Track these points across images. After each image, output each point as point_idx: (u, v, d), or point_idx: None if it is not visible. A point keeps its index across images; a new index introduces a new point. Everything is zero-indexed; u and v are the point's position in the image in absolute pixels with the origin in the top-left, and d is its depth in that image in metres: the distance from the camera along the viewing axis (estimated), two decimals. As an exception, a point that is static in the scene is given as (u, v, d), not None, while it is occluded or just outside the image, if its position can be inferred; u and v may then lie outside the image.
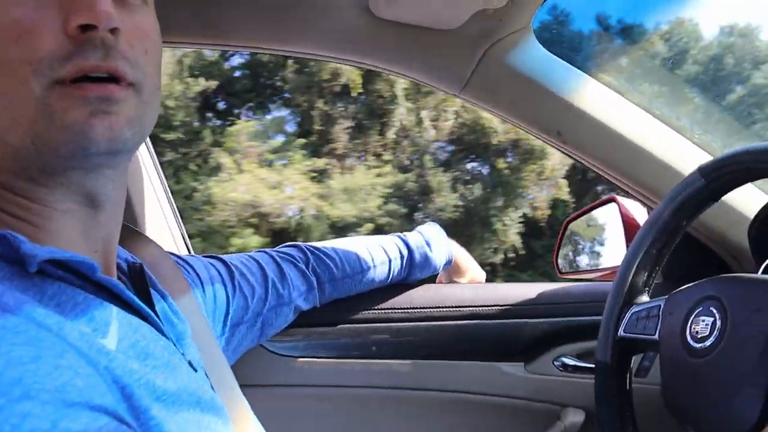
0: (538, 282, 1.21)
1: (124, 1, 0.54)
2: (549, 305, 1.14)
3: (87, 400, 0.40)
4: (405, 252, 1.13)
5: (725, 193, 0.84)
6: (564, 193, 10.28)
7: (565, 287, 1.18)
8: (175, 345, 0.61)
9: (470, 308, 1.13)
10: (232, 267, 0.92)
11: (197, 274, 0.85)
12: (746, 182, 0.83)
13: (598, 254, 1.41)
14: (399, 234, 1.16)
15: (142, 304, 0.57)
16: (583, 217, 1.43)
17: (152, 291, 0.66)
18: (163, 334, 0.60)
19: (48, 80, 0.48)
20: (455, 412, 1.13)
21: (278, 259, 0.99)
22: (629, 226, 1.30)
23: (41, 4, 0.49)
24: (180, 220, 1.17)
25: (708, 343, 0.74)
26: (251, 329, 0.93)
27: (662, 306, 0.86)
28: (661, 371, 0.82)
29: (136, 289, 0.65)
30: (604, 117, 1.04)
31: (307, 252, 1.04)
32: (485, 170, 10.38)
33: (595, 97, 1.05)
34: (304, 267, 1.01)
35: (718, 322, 0.74)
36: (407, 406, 1.12)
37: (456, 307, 1.13)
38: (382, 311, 1.13)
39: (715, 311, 0.75)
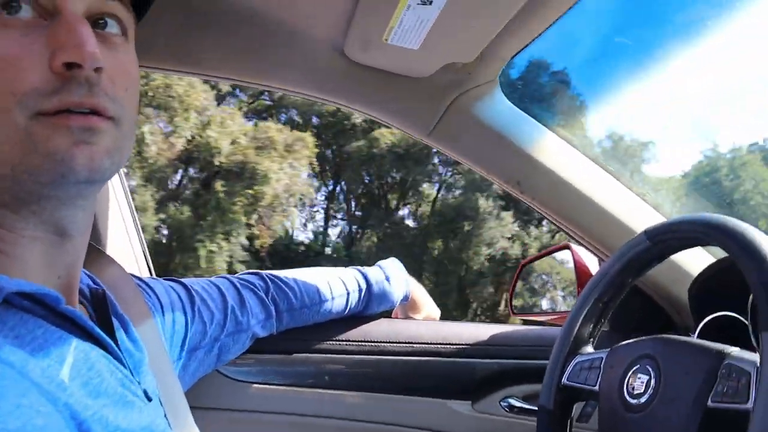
0: (492, 324, 1.24)
1: (107, 38, 0.57)
2: (500, 347, 1.18)
3: None
4: (363, 285, 1.15)
5: (669, 255, 0.89)
6: (295, 222, 9.93)
7: (517, 330, 1.22)
8: (132, 374, 0.63)
9: (422, 345, 1.16)
10: (192, 292, 0.93)
11: (158, 299, 0.86)
12: (689, 248, 0.88)
13: (551, 298, 1.46)
14: (359, 267, 1.19)
15: (103, 335, 0.59)
16: (537, 261, 1.48)
17: (113, 318, 0.68)
18: (122, 363, 0.61)
19: (31, 112, 0.50)
20: None
21: (239, 285, 1.01)
22: (582, 273, 1.35)
23: (28, 39, 0.51)
24: (143, 241, 1.18)
25: (643, 399, 0.78)
26: (208, 354, 0.94)
27: (604, 358, 0.90)
28: (599, 422, 0.86)
29: (98, 315, 0.66)
30: (561, 170, 1.09)
31: (268, 280, 1.06)
32: (202, 192, 9.82)
33: (553, 150, 1.09)
34: (263, 295, 1.03)
35: (653, 381, 0.78)
36: None
37: (409, 342, 1.16)
38: (337, 342, 1.15)
39: (650, 370, 0.79)
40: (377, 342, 1.16)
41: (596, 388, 0.89)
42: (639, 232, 0.89)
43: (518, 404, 1.16)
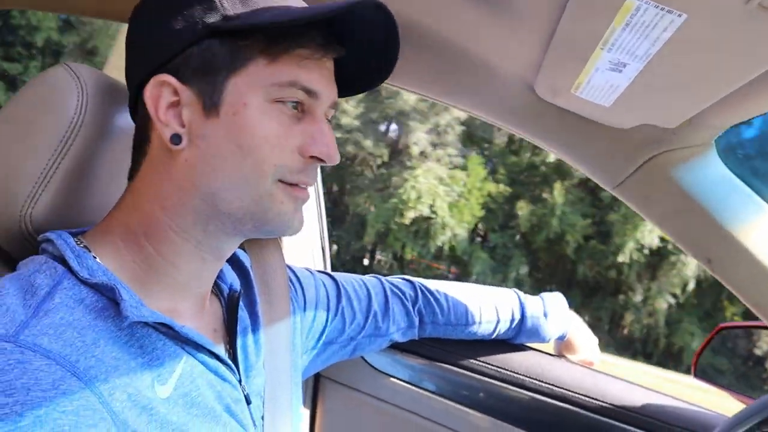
0: (650, 390, 1.14)
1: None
2: (648, 419, 1.08)
3: None
4: (517, 316, 1.13)
5: None
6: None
7: (673, 405, 1.11)
8: (240, 379, 0.72)
9: (562, 390, 1.12)
10: (341, 290, 1.01)
11: (304, 296, 0.95)
12: None
13: (739, 373, 1.28)
14: (521, 295, 1.16)
15: (217, 351, 0.68)
16: (739, 330, 1.30)
17: (246, 316, 0.78)
18: (232, 369, 0.71)
19: (276, 179, 0.65)
20: None
21: (388, 292, 1.06)
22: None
23: (292, 127, 0.66)
24: (325, 231, 1.27)
25: None
26: (343, 349, 1.02)
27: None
28: None
29: (228, 316, 0.77)
30: None
31: (419, 291, 1.09)
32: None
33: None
34: (410, 305, 1.07)
35: None
36: None
37: (549, 384, 1.12)
38: (479, 362, 1.16)
39: None
40: (518, 374, 1.14)
41: None
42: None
43: (651, 485, 1.07)
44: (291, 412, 0.82)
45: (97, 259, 0.64)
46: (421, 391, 1.17)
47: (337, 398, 1.22)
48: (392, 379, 1.18)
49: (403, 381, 1.18)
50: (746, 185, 0.94)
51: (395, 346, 1.16)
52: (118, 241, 0.66)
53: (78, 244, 0.65)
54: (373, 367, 1.19)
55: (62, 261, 0.63)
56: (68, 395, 0.52)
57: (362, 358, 1.19)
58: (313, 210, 1.22)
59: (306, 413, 1.23)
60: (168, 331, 0.64)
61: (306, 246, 1.21)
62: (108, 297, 0.61)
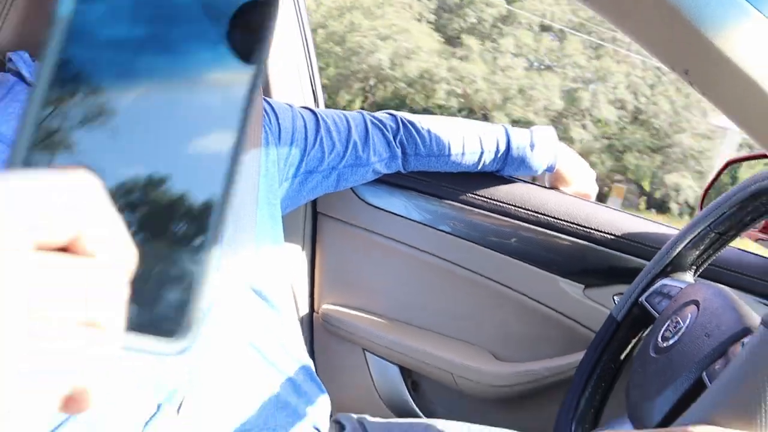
0: (635, 216, 1.14)
1: None
2: (629, 242, 1.10)
3: None
4: (503, 147, 1.14)
5: None
6: None
7: (655, 231, 1.11)
8: None
9: (548, 218, 1.14)
10: (320, 121, 1.05)
11: (279, 124, 0.99)
12: None
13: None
14: (508, 127, 1.16)
15: None
16: (747, 162, 1.26)
17: None
18: None
19: None
20: (506, 306, 1.19)
21: (369, 123, 1.09)
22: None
23: None
24: (314, 62, 1.29)
25: (667, 344, 0.71)
26: (326, 179, 1.07)
27: (680, 291, 0.81)
28: (636, 356, 0.81)
29: None
30: (756, 72, 0.88)
31: (400, 123, 1.11)
32: None
33: (755, 42, 0.89)
34: (391, 137, 1.10)
35: (684, 329, 0.70)
36: (465, 285, 1.21)
37: (535, 212, 1.14)
38: (469, 194, 1.19)
39: (689, 317, 0.70)
40: (504, 203, 1.16)
41: (658, 317, 0.82)
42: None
43: (632, 305, 1.10)
44: (255, 226, 0.88)
45: None
46: (412, 222, 1.22)
47: (334, 233, 1.29)
48: (385, 212, 1.23)
49: (395, 214, 1.23)
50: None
51: (386, 181, 1.21)
52: None
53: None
54: (366, 202, 1.24)
55: (17, 74, 0.73)
56: None
57: (355, 194, 1.24)
58: (297, 41, 1.24)
59: (306, 253, 1.31)
60: None
61: (292, 80, 1.24)
62: None
